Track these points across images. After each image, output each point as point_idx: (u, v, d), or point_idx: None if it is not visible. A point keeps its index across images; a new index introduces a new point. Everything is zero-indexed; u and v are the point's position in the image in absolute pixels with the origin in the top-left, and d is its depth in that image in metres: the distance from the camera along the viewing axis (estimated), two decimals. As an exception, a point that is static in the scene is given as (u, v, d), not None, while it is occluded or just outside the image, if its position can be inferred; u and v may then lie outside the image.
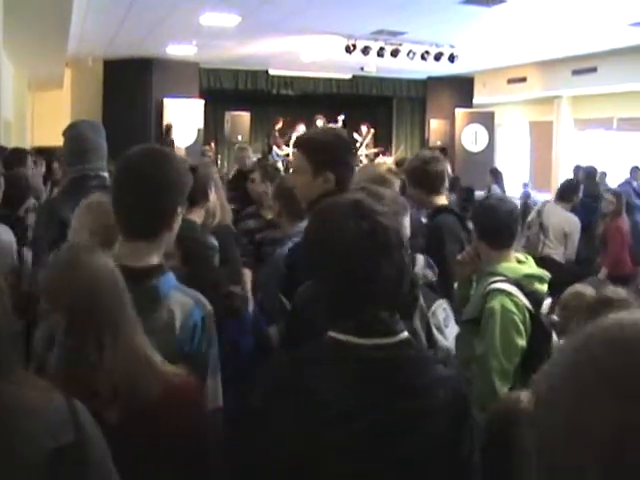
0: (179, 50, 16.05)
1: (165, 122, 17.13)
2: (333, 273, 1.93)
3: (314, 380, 1.85)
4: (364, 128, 18.67)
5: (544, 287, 3.66)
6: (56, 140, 16.77)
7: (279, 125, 18.56)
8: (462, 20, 12.37)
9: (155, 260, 2.45)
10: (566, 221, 8.19)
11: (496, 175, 13.47)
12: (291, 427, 1.84)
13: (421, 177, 4.66)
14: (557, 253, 8.01)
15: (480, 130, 19.82)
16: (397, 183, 4.35)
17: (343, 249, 1.90)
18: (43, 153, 11.32)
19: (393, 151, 19.76)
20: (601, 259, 9.06)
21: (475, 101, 20.65)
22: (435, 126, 20.34)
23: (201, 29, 13.32)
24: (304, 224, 3.39)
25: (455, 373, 2.04)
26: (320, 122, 17.95)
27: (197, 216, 3.92)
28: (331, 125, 17.72)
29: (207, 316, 2.47)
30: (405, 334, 1.94)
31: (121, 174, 2.52)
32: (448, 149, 19.47)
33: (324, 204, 2.13)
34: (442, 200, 4.74)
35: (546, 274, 3.72)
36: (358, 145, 18.34)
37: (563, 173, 17.39)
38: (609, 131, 17.71)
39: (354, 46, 14.39)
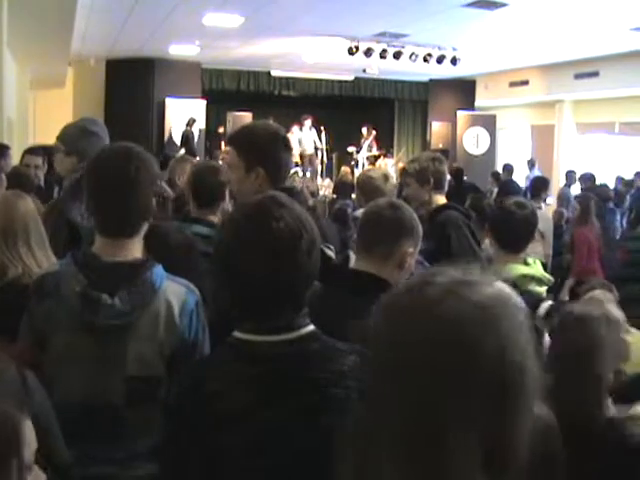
0: (181, 50, 16.07)
1: (168, 126, 17.11)
2: (230, 275, 1.96)
3: (214, 382, 1.88)
4: (364, 129, 18.66)
5: (542, 289, 3.66)
6: (58, 139, 16.54)
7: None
8: (465, 23, 12.39)
9: (139, 254, 2.53)
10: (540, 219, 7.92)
11: (498, 178, 13.45)
12: (190, 428, 1.87)
13: (430, 176, 4.66)
14: (536, 252, 7.94)
15: (482, 133, 19.84)
16: (394, 190, 4.47)
17: (238, 251, 1.91)
18: (45, 149, 11.30)
19: (394, 153, 19.75)
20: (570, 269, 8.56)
21: (477, 104, 20.67)
22: (437, 128, 20.35)
23: (204, 29, 13.33)
24: None
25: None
26: (308, 123, 18.03)
27: (215, 216, 4.09)
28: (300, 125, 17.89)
29: (199, 301, 2.54)
30: (309, 328, 1.94)
31: (94, 173, 2.57)
32: (449, 152, 19.48)
33: (233, 208, 2.22)
34: (442, 200, 4.74)
35: (547, 277, 3.73)
36: (359, 147, 18.37)
37: (564, 177, 17.40)
38: (611, 135, 17.70)
39: (357, 48, 14.40)
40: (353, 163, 17.87)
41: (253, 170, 3.07)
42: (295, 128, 17.79)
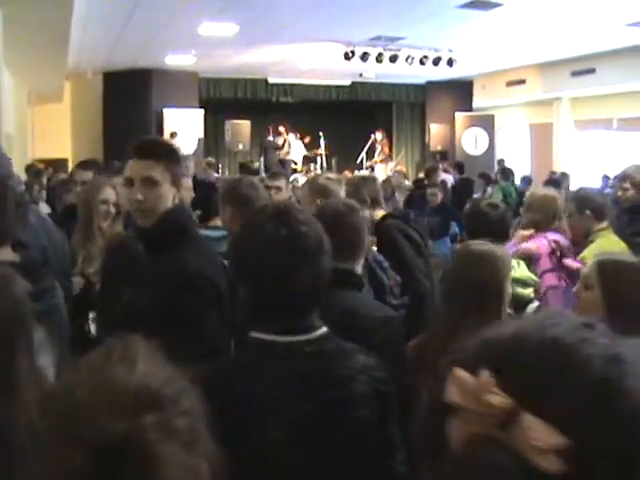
0: (178, 60, 16.09)
1: (169, 131, 17.13)
2: (252, 275, 2.05)
3: (244, 382, 1.98)
4: (378, 135, 18.65)
5: (527, 291, 3.66)
6: (57, 152, 16.73)
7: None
8: (460, 24, 12.40)
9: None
10: None
11: (488, 178, 13.39)
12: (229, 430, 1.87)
13: (365, 196, 4.75)
14: None
15: (480, 133, 19.84)
16: (341, 190, 4.50)
17: (261, 252, 2.01)
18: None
19: (394, 157, 19.76)
20: None
21: (475, 104, 20.68)
22: (435, 130, 20.35)
23: (200, 39, 13.36)
24: None
25: (375, 360, 2.13)
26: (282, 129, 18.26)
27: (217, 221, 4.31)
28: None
29: None
30: (324, 329, 2.05)
31: None
32: (449, 153, 19.52)
33: (252, 213, 2.25)
34: (381, 213, 4.86)
35: (533, 279, 3.72)
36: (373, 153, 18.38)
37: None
38: (609, 131, 17.71)
39: (352, 52, 14.43)
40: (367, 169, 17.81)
41: (176, 184, 3.00)
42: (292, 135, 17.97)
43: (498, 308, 2.80)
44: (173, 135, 16.35)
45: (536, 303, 3.43)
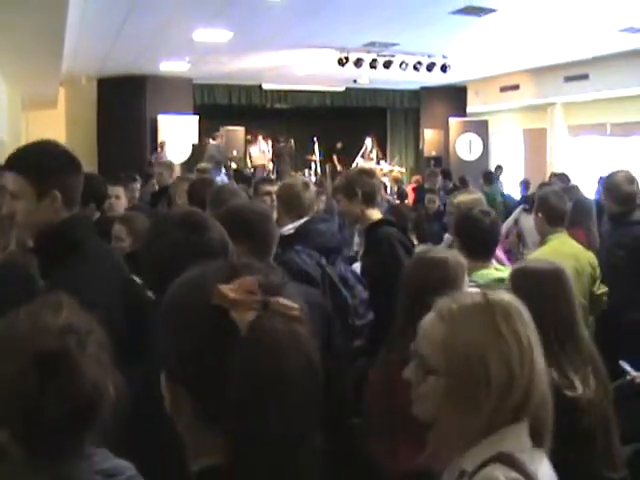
0: (172, 66, 16.09)
1: (162, 137, 17.13)
2: (157, 276, 2.05)
3: None
4: (368, 140, 18.69)
5: None
6: (51, 159, 16.49)
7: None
8: (453, 30, 12.43)
9: None
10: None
11: (465, 183, 13.36)
12: None
13: (357, 189, 4.57)
14: None
15: (474, 139, 19.90)
16: (314, 199, 4.39)
17: (166, 253, 2.13)
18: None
19: (388, 162, 19.78)
20: None
21: (469, 110, 20.73)
22: (429, 136, 20.40)
23: (194, 45, 13.36)
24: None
25: None
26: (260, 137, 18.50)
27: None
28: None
29: None
30: None
31: None
32: (443, 158, 19.55)
33: (158, 216, 2.39)
34: (377, 214, 4.66)
35: None
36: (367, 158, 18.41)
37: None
38: (602, 137, 17.74)
39: (346, 58, 14.45)
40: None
41: (46, 195, 2.72)
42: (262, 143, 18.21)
43: None
44: (162, 145, 16.37)
45: None
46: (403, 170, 19.37)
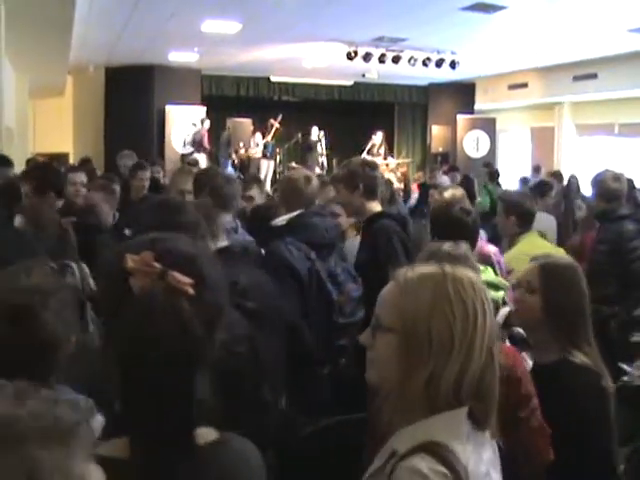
0: (181, 57, 16.09)
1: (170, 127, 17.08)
2: None
3: None
4: (378, 136, 18.61)
5: (499, 294, 3.65)
6: (58, 147, 16.68)
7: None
8: (463, 27, 12.40)
9: None
10: (538, 220, 7.58)
11: (469, 181, 13.33)
12: None
13: (359, 181, 4.49)
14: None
15: (482, 136, 19.86)
16: (316, 192, 4.36)
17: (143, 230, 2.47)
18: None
19: (395, 157, 19.76)
20: None
21: (476, 107, 20.69)
22: (437, 132, 20.38)
23: (203, 36, 13.35)
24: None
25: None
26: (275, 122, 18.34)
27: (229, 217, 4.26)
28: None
29: None
30: None
31: None
32: (450, 155, 19.52)
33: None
34: (377, 207, 4.58)
35: (503, 283, 3.71)
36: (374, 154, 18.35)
37: (565, 178, 17.37)
38: (610, 137, 17.70)
39: (355, 53, 14.42)
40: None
41: None
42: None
43: None
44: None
45: (507, 308, 3.40)
46: (408, 160, 19.37)
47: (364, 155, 18.09)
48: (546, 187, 8.85)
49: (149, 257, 1.35)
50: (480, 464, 1.67)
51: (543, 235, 7.41)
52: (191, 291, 1.35)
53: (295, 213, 4.08)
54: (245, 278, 2.98)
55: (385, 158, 18.27)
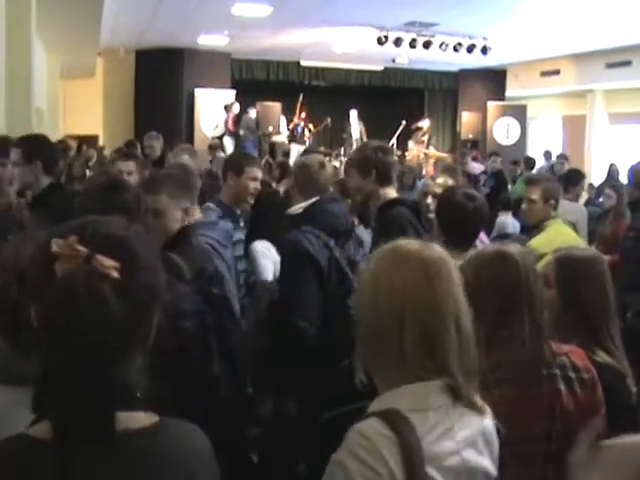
0: (211, 40, 16.09)
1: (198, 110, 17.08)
2: None
3: None
4: (426, 121, 18.53)
5: None
6: (87, 129, 16.74)
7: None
8: (495, 12, 12.29)
9: None
10: (570, 211, 7.02)
11: (530, 165, 13.31)
12: None
13: (373, 167, 4.34)
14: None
15: (512, 123, 19.72)
16: (331, 179, 4.30)
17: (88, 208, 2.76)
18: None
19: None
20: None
21: (507, 94, 20.52)
22: (467, 119, 20.24)
23: (233, 19, 13.33)
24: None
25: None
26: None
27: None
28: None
29: None
30: None
31: None
32: (480, 142, 19.38)
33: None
34: (392, 193, 4.44)
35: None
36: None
37: (596, 168, 17.22)
38: (643, 125, 17.51)
39: (386, 37, 14.34)
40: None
41: None
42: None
43: None
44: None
45: None
46: (446, 156, 19.25)
47: (393, 142, 18.02)
48: (578, 176, 8.69)
49: (74, 241, 1.35)
50: (445, 440, 1.68)
51: (573, 226, 7.35)
52: (115, 274, 1.34)
53: (311, 201, 3.96)
54: (212, 265, 3.43)
55: (427, 147, 18.14)
